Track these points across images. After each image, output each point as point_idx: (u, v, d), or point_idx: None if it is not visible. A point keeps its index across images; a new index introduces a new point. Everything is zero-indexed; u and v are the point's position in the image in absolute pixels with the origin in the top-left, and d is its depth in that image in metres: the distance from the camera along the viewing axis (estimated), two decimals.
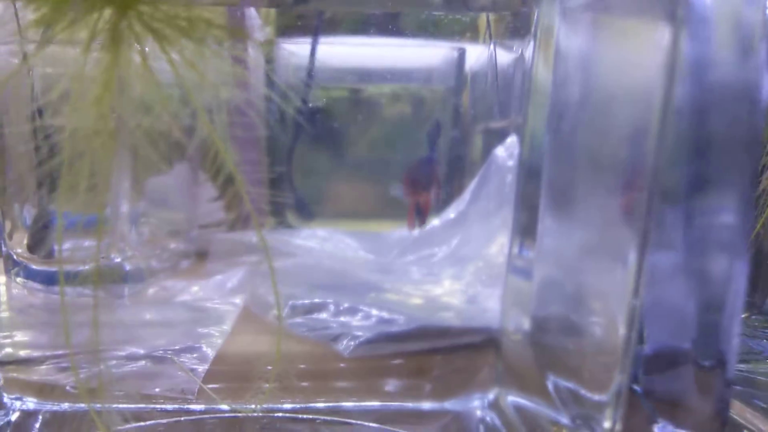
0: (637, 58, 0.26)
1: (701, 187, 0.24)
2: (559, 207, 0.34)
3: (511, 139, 0.39)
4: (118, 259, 0.43)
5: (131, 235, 0.44)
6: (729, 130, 0.24)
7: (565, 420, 0.30)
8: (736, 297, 0.24)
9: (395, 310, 0.44)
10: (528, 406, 0.35)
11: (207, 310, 0.46)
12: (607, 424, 0.25)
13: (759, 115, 0.24)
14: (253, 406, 0.34)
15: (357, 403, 0.37)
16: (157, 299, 0.46)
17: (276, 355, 0.28)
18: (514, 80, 0.38)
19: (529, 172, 0.37)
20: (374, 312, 0.45)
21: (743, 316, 0.42)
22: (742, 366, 0.43)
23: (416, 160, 0.43)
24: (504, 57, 0.38)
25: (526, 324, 0.36)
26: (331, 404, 0.37)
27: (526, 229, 0.37)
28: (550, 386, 0.32)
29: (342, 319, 0.44)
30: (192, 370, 0.37)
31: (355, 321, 0.44)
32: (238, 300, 0.48)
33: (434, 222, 0.46)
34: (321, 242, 0.50)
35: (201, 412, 0.35)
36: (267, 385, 0.32)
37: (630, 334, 0.24)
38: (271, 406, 0.35)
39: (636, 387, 0.25)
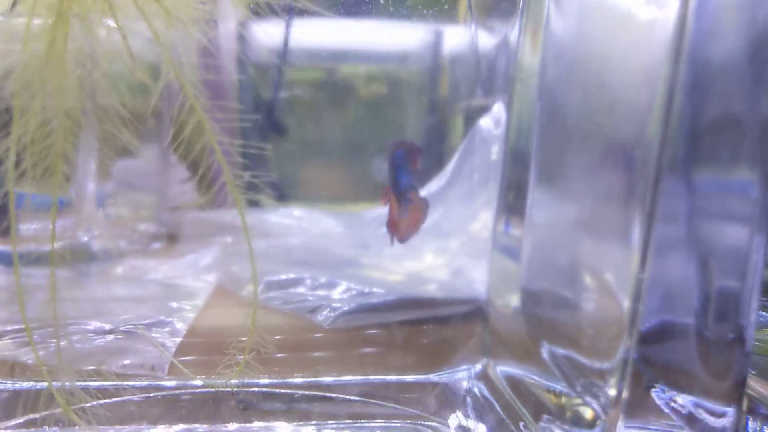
0: (639, 38, 0.26)
1: (715, 161, 0.24)
2: (551, 183, 0.33)
3: (497, 107, 0.38)
4: (86, 239, 0.42)
5: (98, 215, 0.43)
6: (742, 103, 0.24)
7: (560, 387, 0.29)
8: (756, 271, 0.24)
9: (375, 284, 0.43)
10: (519, 375, 0.34)
11: (179, 287, 0.45)
12: (612, 392, 0.25)
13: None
14: (225, 381, 0.32)
15: (338, 377, 0.35)
16: (126, 277, 0.44)
17: (251, 327, 0.26)
18: (497, 60, 0.37)
19: (515, 151, 0.37)
20: (353, 285, 0.43)
21: None
22: None
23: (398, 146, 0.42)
24: (487, 38, 0.37)
25: (514, 297, 0.35)
26: (310, 378, 0.35)
27: (511, 207, 0.37)
28: (545, 355, 0.31)
29: (320, 292, 0.43)
30: (163, 344, 0.35)
31: (334, 294, 0.42)
32: (211, 277, 0.46)
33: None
34: (297, 221, 0.49)
35: (172, 388, 0.33)
36: (241, 357, 0.30)
37: (636, 306, 0.24)
38: (248, 380, 0.34)
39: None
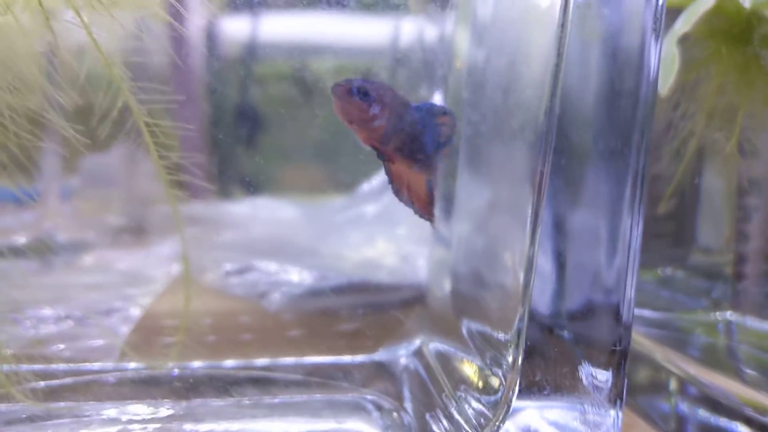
0: (536, 33, 0.27)
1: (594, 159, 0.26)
2: (472, 170, 0.35)
3: (437, 97, 0.40)
4: (51, 231, 0.43)
5: (63, 209, 0.44)
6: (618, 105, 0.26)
7: (475, 359, 0.32)
8: (633, 255, 0.27)
9: (330, 269, 0.45)
10: (445, 351, 0.36)
11: (140, 275, 0.46)
12: (510, 358, 0.27)
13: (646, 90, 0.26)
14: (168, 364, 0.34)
15: (277, 360, 0.37)
16: (92, 267, 0.45)
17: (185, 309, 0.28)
18: (438, 53, 0.38)
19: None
20: (307, 272, 0.45)
21: (669, 271, 0.45)
22: (672, 315, 0.45)
23: None
24: (432, 30, 0.39)
25: (447, 281, 0.38)
26: (248, 360, 0.37)
27: (447, 194, 0.38)
28: (464, 331, 0.33)
29: (273, 278, 0.44)
30: (115, 330, 0.37)
31: (288, 280, 0.44)
32: (174, 266, 0.47)
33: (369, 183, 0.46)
34: (261, 210, 0.50)
35: (115, 370, 0.35)
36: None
37: (528, 278, 0.26)
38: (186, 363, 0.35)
39: (566, 334, 0.27)
